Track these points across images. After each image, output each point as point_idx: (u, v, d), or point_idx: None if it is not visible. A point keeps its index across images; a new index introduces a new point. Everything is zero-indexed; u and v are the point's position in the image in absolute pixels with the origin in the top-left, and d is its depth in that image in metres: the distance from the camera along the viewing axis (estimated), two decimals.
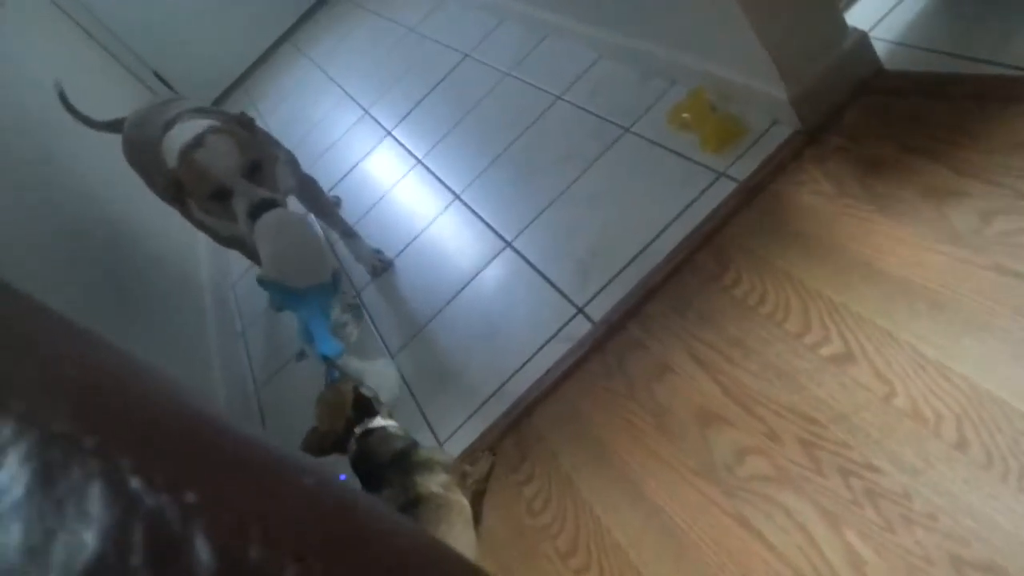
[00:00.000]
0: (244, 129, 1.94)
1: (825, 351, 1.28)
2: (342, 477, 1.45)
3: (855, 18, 1.63)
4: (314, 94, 3.97)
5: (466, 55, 3.03)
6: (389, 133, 3.04)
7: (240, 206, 1.80)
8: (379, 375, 1.78)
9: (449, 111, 2.82)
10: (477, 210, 2.27)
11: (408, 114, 3.05)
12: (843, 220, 1.43)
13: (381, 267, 2.36)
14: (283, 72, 4.67)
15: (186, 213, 2.02)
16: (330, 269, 1.87)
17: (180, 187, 1.86)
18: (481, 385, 1.77)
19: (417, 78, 3.22)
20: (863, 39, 1.60)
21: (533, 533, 1.42)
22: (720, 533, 1.20)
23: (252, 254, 2.03)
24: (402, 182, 2.72)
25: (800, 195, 1.54)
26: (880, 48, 1.63)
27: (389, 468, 1.41)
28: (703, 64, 1.82)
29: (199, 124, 1.90)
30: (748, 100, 1.74)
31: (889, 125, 1.50)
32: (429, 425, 1.80)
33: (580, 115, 2.23)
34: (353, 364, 1.75)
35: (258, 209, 1.78)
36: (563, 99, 2.34)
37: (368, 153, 3.06)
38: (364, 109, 3.38)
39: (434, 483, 1.38)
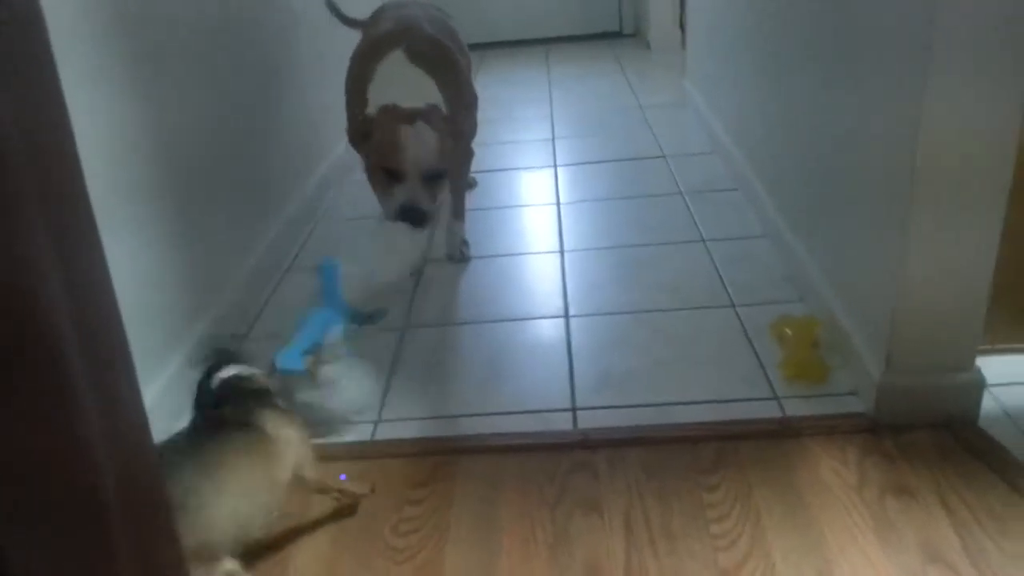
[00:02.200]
0: (453, 128, 1.98)
1: None
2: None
3: (990, 366, 1.57)
4: (529, 95, 4.07)
5: (664, 156, 3.06)
6: (555, 167, 3.09)
7: (399, 198, 1.84)
8: (352, 385, 1.73)
9: (612, 185, 2.85)
10: (568, 274, 2.27)
11: (580, 164, 3.10)
12: (840, 512, 1.37)
13: (460, 257, 2.38)
14: (520, 63, 4.81)
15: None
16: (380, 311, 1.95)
17: (366, 136, 1.90)
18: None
19: (611, 143, 3.27)
20: (978, 385, 1.54)
21: (699, 533, 1.36)
22: None
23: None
24: (531, 209, 2.75)
25: (823, 465, 1.48)
26: (988, 405, 1.57)
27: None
28: (834, 303, 1.78)
29: (419, 79, 1.95)
30: (847, 357, 1.70)
31: (939, 470, 1.44)
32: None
33: (708, 267, 2.22)
34: (324, 373, 1.69)
35: (408, 214, 1.83)
36: (706, 244, 2.34)
37: (527, 168, 3.12)
38: (553, 135, 3.45)
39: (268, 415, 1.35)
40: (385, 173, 1.85)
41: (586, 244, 2.44)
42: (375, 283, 2.23)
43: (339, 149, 3.05)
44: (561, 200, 2.78)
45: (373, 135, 1.86)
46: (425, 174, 1.85)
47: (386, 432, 1.69)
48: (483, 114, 2.52)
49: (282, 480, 1.32)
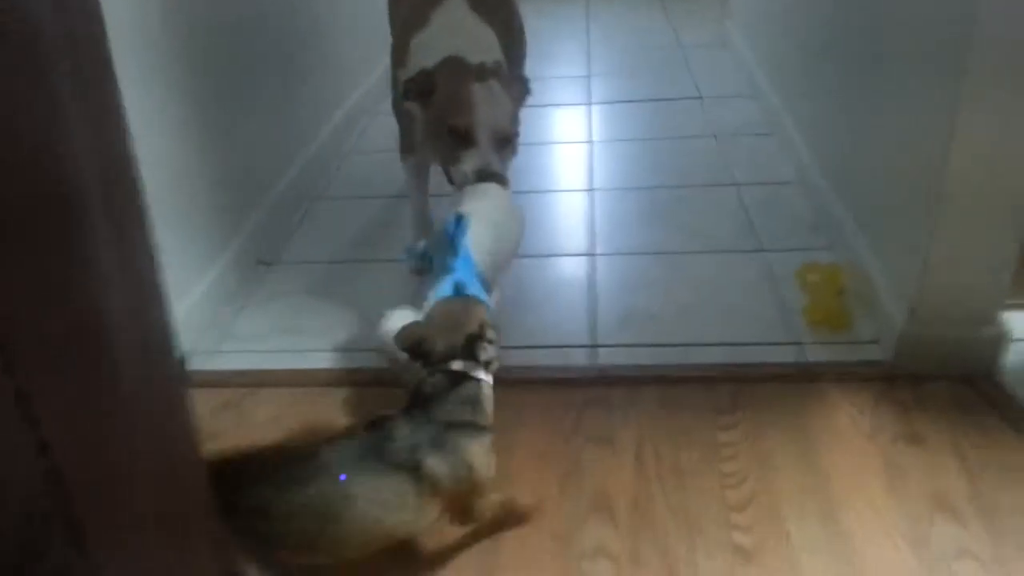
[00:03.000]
0: (521, 90, 1.77)
1: (736, 537, 1.25)
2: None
3: (1015, 321, 1.56)
4: (566, 29, 4.01)
5: (701, 97, 3.01)
6: (589, 104, 3.06)
7: (470, 163, 1.61)
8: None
9: (647, 126, 2.81)
10: (597, 211, 2.27)
11: (616, 103, 3.06)
12: (850, 457, 1.39)
13: None
14: None
15: (398, 90, 1.83)
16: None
17: (426, 92, 1.67)
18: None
19: (647, 82, 3.23)
20: (1001, 339, 1.53)
21: (709, 470, 1.39)
22: None
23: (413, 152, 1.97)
24: (565, 146, 2.74)
25: (840, 410, 1.49)
26: (1011, 359, 1.56)
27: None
28: (861, 250, 1.77)
29: (478, 31, 1.77)
30: (871, 306, 1.69)
31: (954, 421, 1.44)
32: None
33: (739, 210, 2.20)
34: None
35: (486, 177, 1.60)
36: (739, 188, 2.31)
37: (561, 105, 3.08)
38: (589, 73, 3.40)
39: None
40: (451, 134, 1.63)
41: (616, 184, 2.43)
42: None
43: (374, 77, 3.04)
44: (594, 138, 2.76)
45: (437, 91, 1.65)
46: (497, 137, 1.64)
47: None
48: None
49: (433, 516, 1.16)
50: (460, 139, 1.62)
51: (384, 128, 2.84)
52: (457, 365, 1.17)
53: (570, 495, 1.35)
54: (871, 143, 1.77)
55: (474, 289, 1.30)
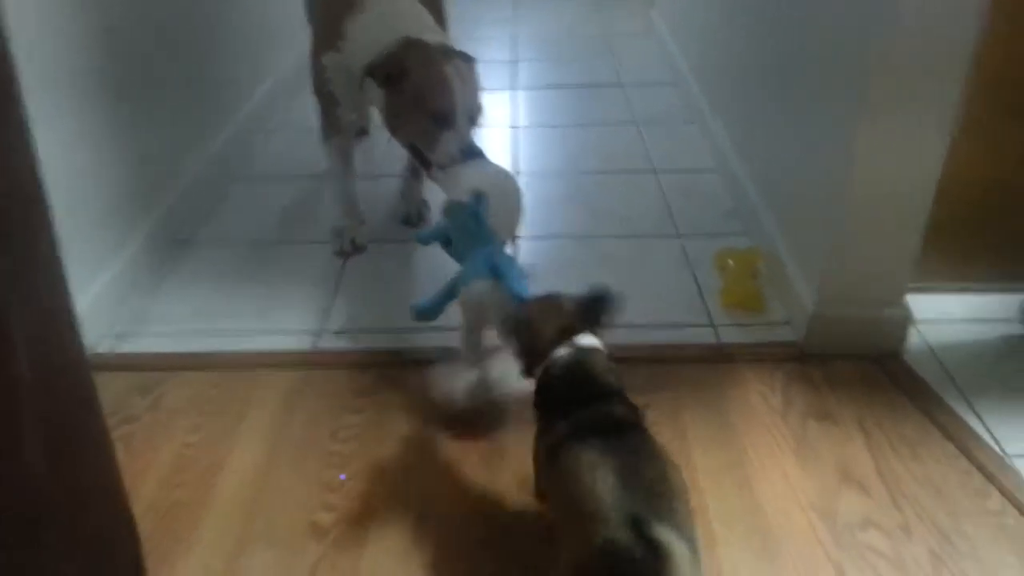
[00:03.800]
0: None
1: None
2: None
3: (918, 304, 1.63)
4: (491, 14, 4.00)
5: (622, 85, 3.05)
6: (515, 89, 3.07)
7: (451, 142, 1.61)
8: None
9: (572, 112, 2.84)
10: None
11: (542, 88, 3.08)
12: (763, 434, 1.43)
13: (418, 220, 2.18)
14: None
15: (322, 72, 1.85)
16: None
17: (400, 77, 1.64)
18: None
19: (574, 69, 3.25)
20: (905, 320, 1.60)
21: None
22: (813, 565, 1.20)
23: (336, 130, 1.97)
24: (488, 132, 2.74)
25: (752, 390, 1.54)
26: (914, 340, 1.63)
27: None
28: (775, 235, 1.83)
29: (411, 9, 1.77)
30: (784, 290, 1.75)
31: (861, 399, 1.50)
32: None
33: (658, 197, 2.24)
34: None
35: (471, 154, 1.61)
36: (659, 174, 2.36)
37: (487, 90, 3.07)
38: (516, 58, 3.41)
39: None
40: (431, 118, 1.62)
41: (540, 168, 2.44)
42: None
43: (294, 56, 2.98)
44: (520, 124, 2.77)
45: (409, 75, 1.63)
46: (471, 115, 1.66)
47: (329, 343, 1.70)
48: None
49: None
50: (439, 121, 1.62)
51: (311, 106, 2.79)
52: (586, 340, 1.15)
53: (490, 472, 1.37)
54: (785, 136, 1.83)
55: (512, 268, 1.36)
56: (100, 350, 1.68)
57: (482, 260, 1.38)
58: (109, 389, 1.52)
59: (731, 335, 1.69)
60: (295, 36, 2.95)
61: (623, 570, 0.86)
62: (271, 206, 2.27)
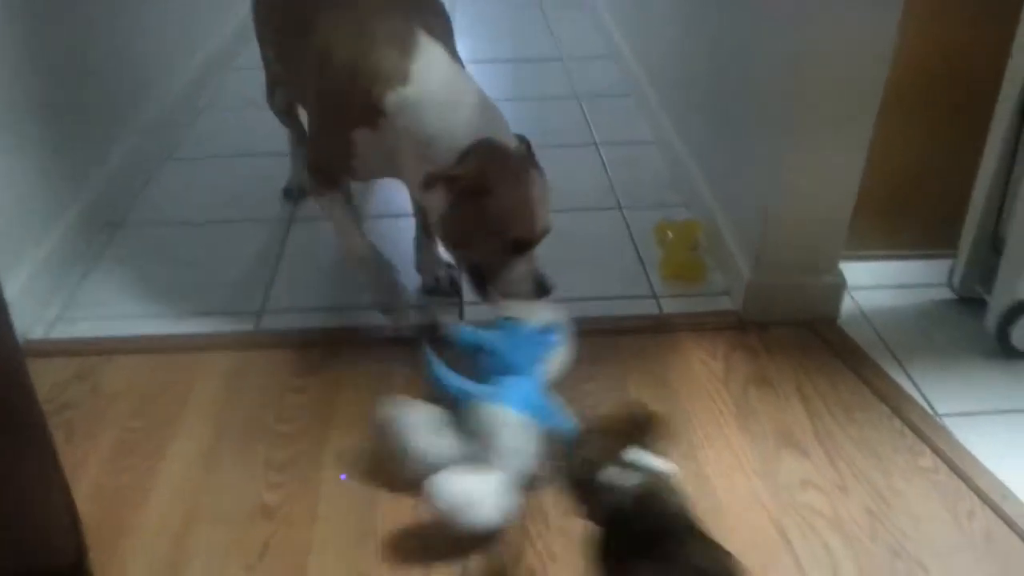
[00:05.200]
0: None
1: None
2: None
3: (852, 271, 1.67)
4: None
5: (561, 59, 3.05)
6: None
7: (525, 270, 1.45)
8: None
9: (511, 87, 2.84)
10: None
11: (479, 62, 3.05)
12: (706, 401, 1.46)
13: (449, 287, 1.82)
14: None
15: (349, 147, 1.48)
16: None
17: (482, 194, 1.36)
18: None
19: (512, 43, 3.25)
20: (839, 287, 1.64)
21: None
22: (756, 527, 1.22)
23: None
24: None
25: (693, 358, 1.57)
26: (848, 307, 1.68)
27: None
28: (715, 208, 1.85)
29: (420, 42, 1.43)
30: (723, 260, 1.78)
31: (798, 364, 1.55)
32: None
33: (598, 169, 2.26)
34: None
35: (544, 289, 1.46)
36: (599, 147, 2.37)
37: None
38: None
39: None
40: (504, 242, 1.40)
41: None
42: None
43: (225, 31, 2.91)
44: None
45: (492, 193, 1.35)
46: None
47: (270, 323, 1.68)
48: None
49: None
50: (517, 248, 1.42)
51: (242, 83, 2.73)
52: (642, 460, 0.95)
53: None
54: (720, 110, 1.85)
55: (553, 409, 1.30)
56: (33, 336, 1.63)
57: (527, 392, 1.29)
58: (46, 376, 1.48)
59: (673, 306, 1.72)
60: (228, 8, 2.89)
61: None
62: (203, 185, 2.23)
